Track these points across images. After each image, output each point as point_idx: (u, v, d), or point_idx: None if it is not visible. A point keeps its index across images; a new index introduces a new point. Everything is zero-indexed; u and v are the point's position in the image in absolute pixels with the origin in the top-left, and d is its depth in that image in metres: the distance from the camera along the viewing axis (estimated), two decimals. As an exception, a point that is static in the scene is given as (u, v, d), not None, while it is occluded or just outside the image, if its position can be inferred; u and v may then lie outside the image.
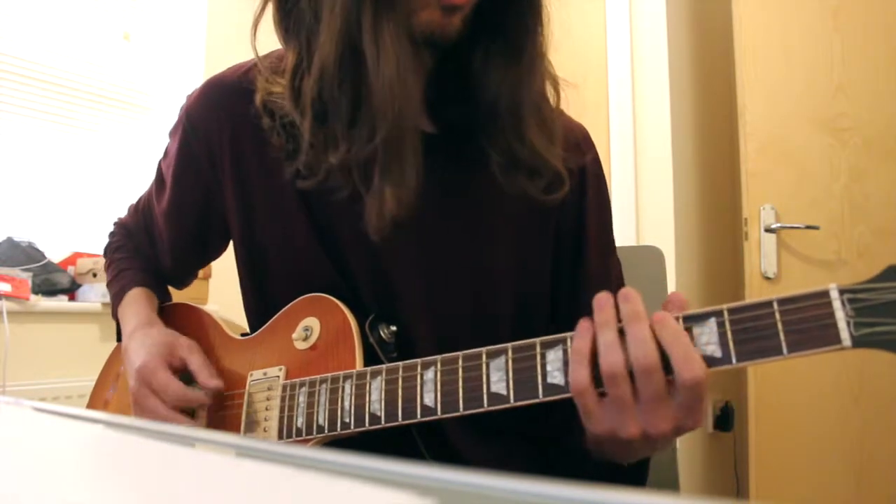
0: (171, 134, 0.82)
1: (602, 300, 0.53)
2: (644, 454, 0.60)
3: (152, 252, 0.89)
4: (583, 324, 0.53)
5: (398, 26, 0.60)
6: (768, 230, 1.87)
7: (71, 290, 2.09)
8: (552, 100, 0.71)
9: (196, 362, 0.72)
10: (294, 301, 0.72)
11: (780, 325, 0.48)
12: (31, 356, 1.96)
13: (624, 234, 2.14)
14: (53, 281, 2.03)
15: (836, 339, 0.46)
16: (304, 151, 0.65)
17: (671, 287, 1.91)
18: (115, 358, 0.88)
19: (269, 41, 0.69)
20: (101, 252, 0.95)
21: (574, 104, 0.73)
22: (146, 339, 0.74)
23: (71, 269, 2.11)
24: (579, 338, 0.52)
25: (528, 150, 0.67)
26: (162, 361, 0.71)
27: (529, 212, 0.73)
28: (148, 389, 0.69)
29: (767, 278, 1.86)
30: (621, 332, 0.52)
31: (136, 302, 0.82)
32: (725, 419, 2.16)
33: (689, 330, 0.50)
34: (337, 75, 0.61)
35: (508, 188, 0.68)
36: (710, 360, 0.49)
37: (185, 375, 0.72)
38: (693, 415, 0.50)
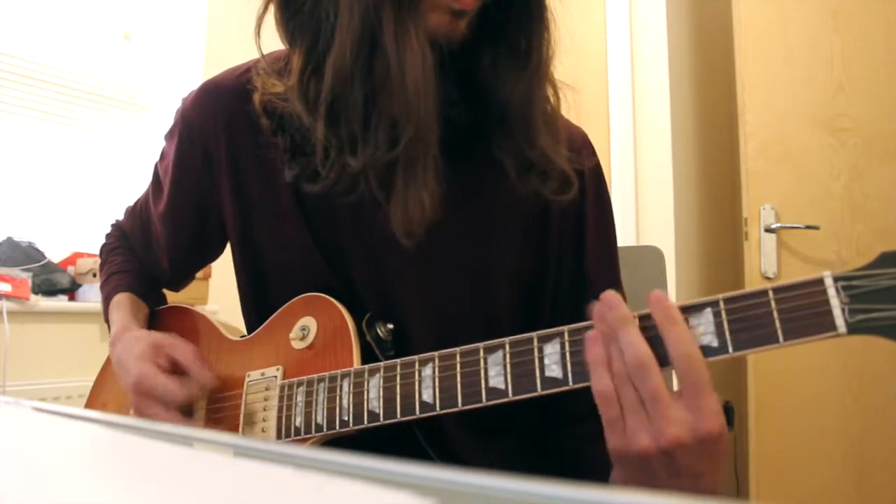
0: (168, 136, 0.82)
1: (598, 313, 0.52)
2: (676, 492, 0.51)
3: (148, 255, 0.88)
4: (590, 334, 0.52)
5: (419, 28, 0.59)
6: (768, 230, 1.87)
7: (71, 290, 2.09)
8: (552, 102, 0.72)
9: (184, 357, 0.71)
10: (291, 301, 0.72)
11: (775, 314, 0.48)
12: (31, 356, 1.96)
13: (624, 234, 2.14)
14: (53, 281, 2.03)
15: (832, 326, 0.47)
16: (317, 154, 0.64)
17: (671, 287, 1.91)
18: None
19: (271, 42, 0.69)
20: (97, 253, 0.95)
21: (574, 106, 0.73)
22: (131, 349, 0.72)
23: (71, 269, 2.11)
24: (592, 347, 0.51)
25: (538, 153, 0.67)
26: (152, 366, 0.70)
27: (530, 213, 0.73)
28: (147, 397, 0.69)
29: (767, 278, 1.86)
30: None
31: (119, 308, 0.82)
32: (725, 419, 2.15)
33: (685, 321, 0.50)
34: (354, 77, 0.59)
35: (522, 190, 0.68)
36: (706, 350, 0.49)
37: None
38: (703, 413, 0.48)
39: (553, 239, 0.74)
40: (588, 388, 0.53)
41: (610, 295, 0.51)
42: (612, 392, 0.50)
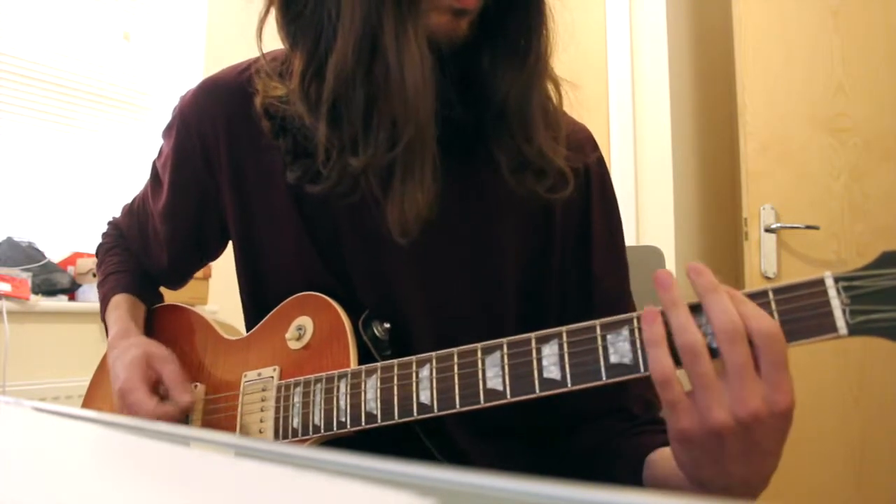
0: (165, 134, 0.82)
1: (664, 279, 0.50)
2: (743, 473, 0.49)
3: (146, 253, 0.88)
4: (649, 309, 0.50)
5: (419, 30, 0.59)
6: (768, 230, 1.87)
7: (71, 290, 2.09)
8: (554, 99, 0.71)
9: (169, 376, 0.71)
10: (286, 300, 0.72)
11: (775, 315, 0.48)
12: (31, 356, 1.95)
13: (624, 234, 2.14)
14: (53, 281, 2.03)
15: (833, 328, 0.46)
16: (318, 155, 0.64)
17: (671, 287, 1.91)
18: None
19: (271, 43, 0.69)
20: (94, 252, 0.95)
21: (574, 104, 0.73)
22: (124, 355, 0.73)
23: (71, 269, 2.11)
24: (650, 324, 0.49)
25: (535, 151, 0.67)
26: (138, 379, 0.70)
27: (533, 213, 0.73)
28: (126, 408, 0.70)
29: (767, 278, 1.86)
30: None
31: (118, 309, 0.82)
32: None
33: None
34: (355, 79, 0.60)
35: (517, 188, 0.68)
36: (710, 352, 0.48)
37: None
38: (780, 386, 0.46)
39: (557, 237, 0.74)
40: (596, 388, 0.52)
41: (695, 263, 0.50)
42: (672, 372, 0.48)
